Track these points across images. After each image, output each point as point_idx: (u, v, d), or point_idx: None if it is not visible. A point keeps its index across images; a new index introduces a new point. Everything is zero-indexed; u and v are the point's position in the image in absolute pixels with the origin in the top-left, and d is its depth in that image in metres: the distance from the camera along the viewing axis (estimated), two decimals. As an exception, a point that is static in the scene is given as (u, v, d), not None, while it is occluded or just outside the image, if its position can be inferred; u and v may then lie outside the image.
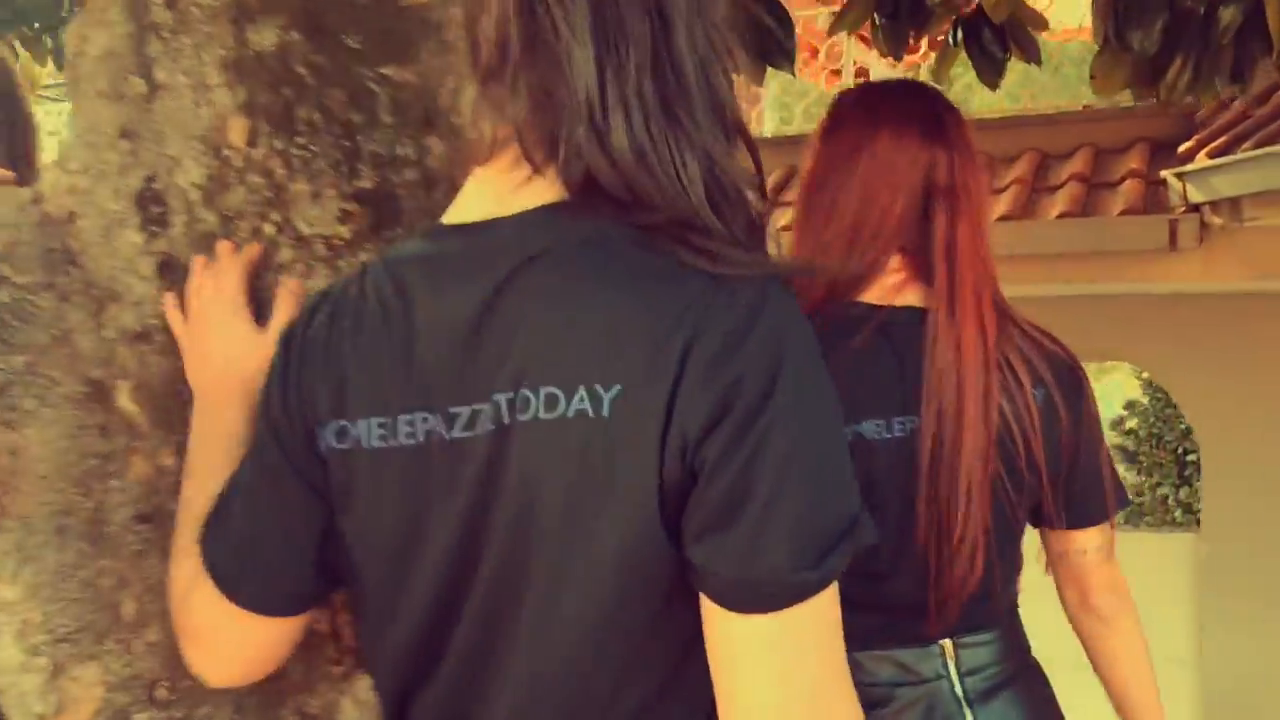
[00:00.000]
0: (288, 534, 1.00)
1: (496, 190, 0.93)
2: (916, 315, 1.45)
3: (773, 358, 0.83)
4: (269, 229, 1.19)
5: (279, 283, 1.18)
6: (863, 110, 1.54)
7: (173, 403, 1.18)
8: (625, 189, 0.87)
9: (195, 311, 1.16)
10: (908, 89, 1.56)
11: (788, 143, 6.02)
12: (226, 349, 1.13)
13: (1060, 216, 5.02)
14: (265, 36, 1.20)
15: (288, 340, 1.01)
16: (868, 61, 7.20)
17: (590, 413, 0.83)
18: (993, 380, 1.40)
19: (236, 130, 1.20)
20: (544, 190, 0.91)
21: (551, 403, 0.85)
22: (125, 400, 1.20)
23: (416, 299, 0.92)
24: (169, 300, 1.18)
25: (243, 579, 1.01)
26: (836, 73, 7.40)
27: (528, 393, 0.86)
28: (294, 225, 1.20)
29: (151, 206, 1.22)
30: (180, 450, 1.17)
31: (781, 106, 12.13)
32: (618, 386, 0.83)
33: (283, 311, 1.15)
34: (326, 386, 0.95)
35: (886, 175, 1.45)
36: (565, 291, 0.87)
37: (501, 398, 0.87)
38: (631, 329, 0.84)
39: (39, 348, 1.24)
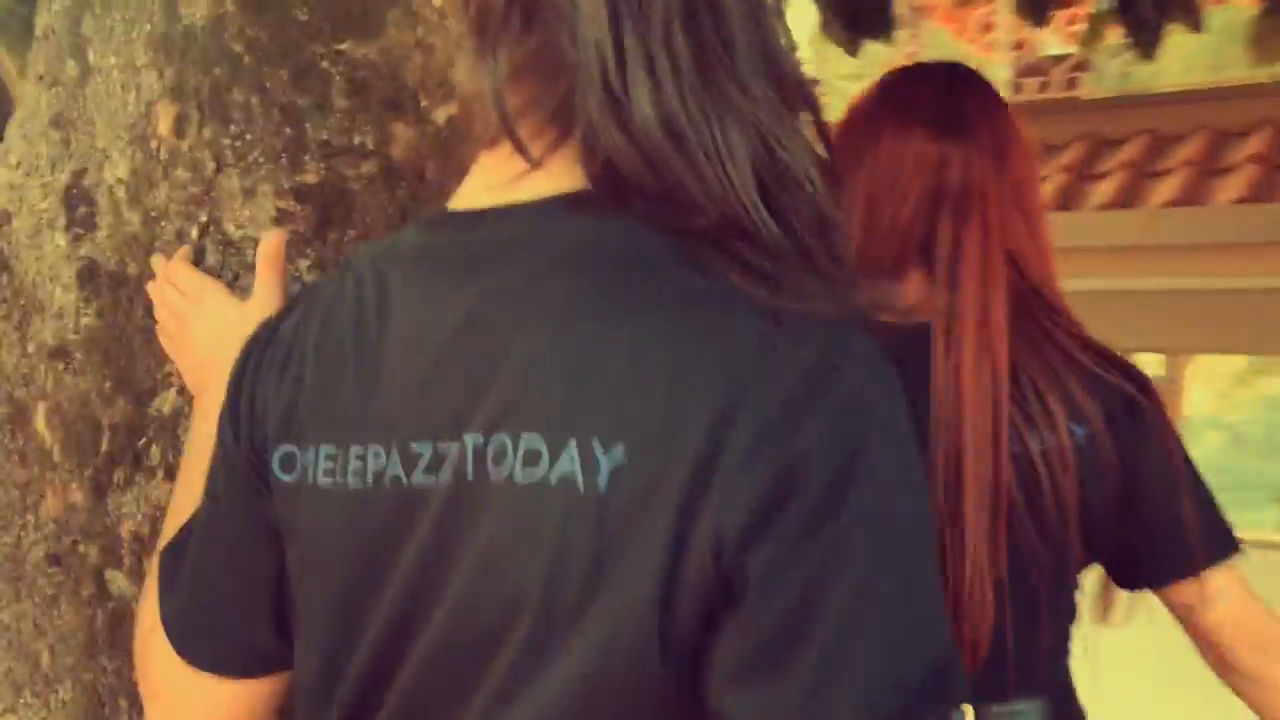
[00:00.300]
0: (243, 580, 0.82)
1: (504, 174, 0.73)
2: (927, 337, 1.21)
3: (850, 437, 0.61)
4: (193, 231, 1.03)
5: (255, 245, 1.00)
6: (872, 103, 1.29)
7: (84, 429, 1.04)
8: (652, 175, 0.65)
9: (172, 300, 1.00)
10: (924, 75, 1.32)
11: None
12: (210, 333, 0.97)
13: (1237, 202, 4.55)
14: (197, 9, 1.04)
15: (250, 345, 0.83)
16: (1035, 37, 6.74)
17: (580, 483, 0.63)
18: (1003, 414, 1.17)
19: (164, 118, 1.05)
20: (559, 176, 0.70)
21: (531, 459, 0.65)
22: (40, 424, 1.07)
23: (394, 302, 0.74)
24: (153, 286, 1.02)
25: (197, 635, 0.84)
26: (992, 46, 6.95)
27: (505, 438, 0.66)
28: (222, 226, 1.03)
29: (80, 206, 1.08)
30: (93, 487, 1.03)
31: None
32: (620, 448, 0.62)
33: (266, 284, 0.98)
34: (280, 404, 0.77)
35: (892, 177, 1.21)
36: (570, 309, 0.66)
37: (472, 440, 0.67)
38: (652, 372, 0.62)
39: (-36, 362, 1.12)
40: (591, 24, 0.64)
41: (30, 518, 1.07)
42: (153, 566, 0.90)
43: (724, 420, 0.60)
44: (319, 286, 0.81)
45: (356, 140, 1.07)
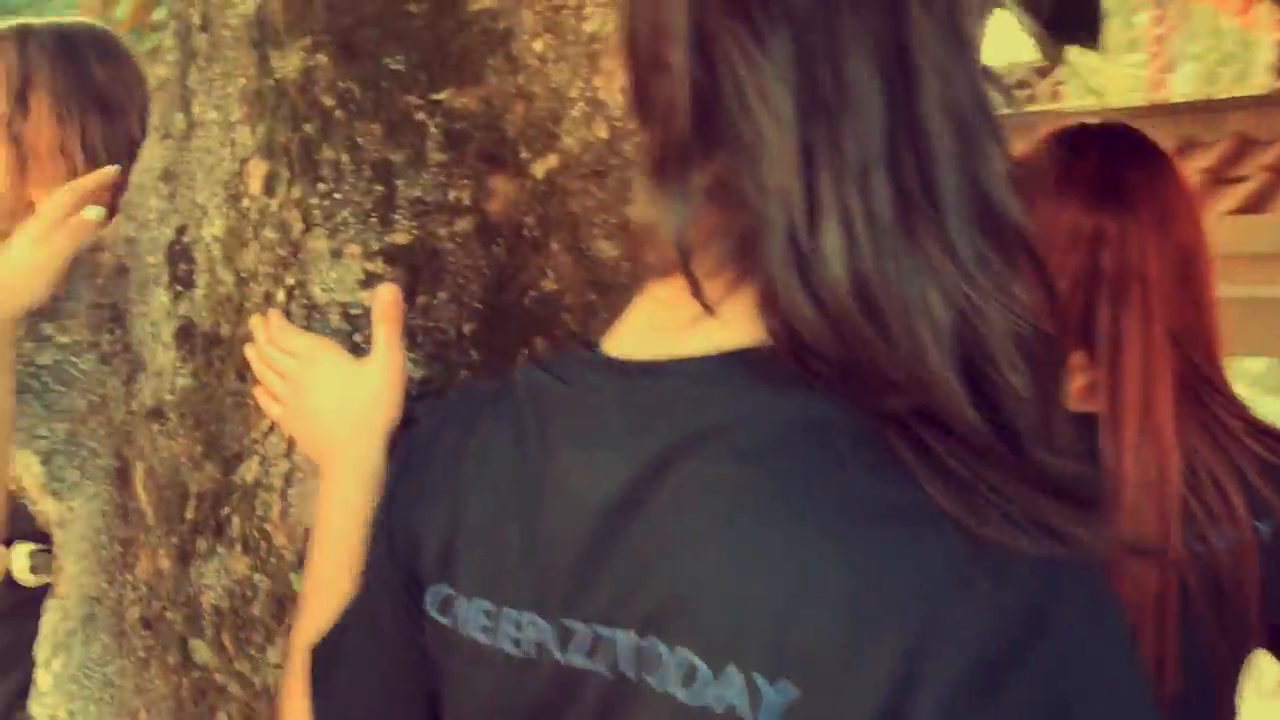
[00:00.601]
0: (401, 697, 0.78)
1: (674, 315, 0.65)
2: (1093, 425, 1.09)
3: (1060, 696, 0.52)
4: (280, 294, 1.00)
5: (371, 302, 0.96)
6: (1031, 165, 1.15)
7: (173, 494, 1.02)
8: (838, 343, 0.57)
9: (282, 363, 0.97)
10: (1085, 137, 1.18)
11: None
12: (328, 396, 0.94)
13: None
14: (289, 62, 1.00)
15: (404, 460, 0.79)
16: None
17: (748, 717, 0.55)
18: (1171, 510, 1.05)
19: (255, 176, 1.01)
20: (735, 326, 0.62)
21: (690, 677, 0.57)
22: (139, 484, 1.06)
23: (557, 450, 0.68)
24: (250, 349, 1.00)
25: None
26: None
27: (660, 646, 0.59)
28: (308, 289, 0.99)
29: (180, 263, 1.07)
30: (179, 554, 1.01)
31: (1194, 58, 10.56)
32: (788, 683, 0.54)
33: (384, 342, 0.93)
34: (437, 539, 0.73)
35: (1046, 251, 1.07)
36: (741, 504, 0.58)
37: (626, 638, 0.61)
38: (827, 597, 0.54)
39: (79, 415, 1.13)
40: (778, 166, 0.55)
41: (129, 576, 1.07)
42: (296, 658, 0.86)
43: (912, 670, 0.51)
44: (473, 405, 0.75)
45: (451, 196, 1.01)
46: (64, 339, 1.13)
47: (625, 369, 0.66)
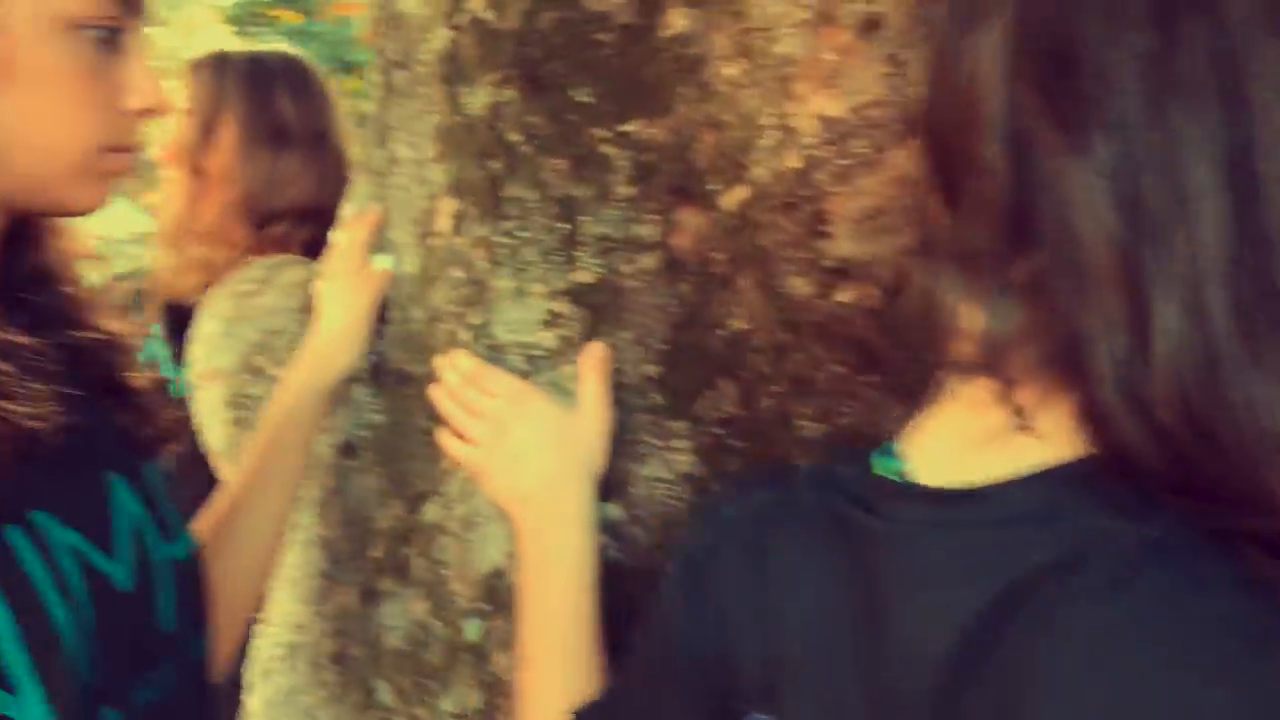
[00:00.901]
0: None
1: (981, 428, 0.62)
2: None
3: None
4: (464, 334, 0.98)
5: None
6: None
7: (360, 530, 1.03)
8: (1169, 460, 0.53)
9: (481, 404, 0.97)
10: None
11: None
12: (534, 440, 0.93)
13: None
14: (477, 98, 0.99)
15: (688, 574, 0.75)
16: None
17: None
18: None
19: (444, 215, 1.01)
20: (1052, 438, 0.58)
21: None
22: (332, 519, 1.08)
23: (884, 591, 0.65)
24: (438, 390, 0.98)
25: None
26: None
27: None
28: (491, 329, 0.97)
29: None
30: (363, 591, 1.02)
31: None
32: None
33: (592, 392, 0.93)
34: (756, 665, 0.70)
35: None
36: (1104, 639, 0.55)
37: None
38: None
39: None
40: (1100, 277, 0.51)
41: (323, 608, 1.08)
42: (531, 710, 0.84)
43: None
44: (753, 524, 0.72)
45: (637, 231, 0.97)
46: (276, 371, 1.17)
47: (942, 499, 0.62)
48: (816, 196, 0.95)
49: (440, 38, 1.01)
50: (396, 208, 1.06)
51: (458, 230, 1.00)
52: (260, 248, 1.42)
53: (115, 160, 0.79)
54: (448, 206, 1.00)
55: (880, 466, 0.68)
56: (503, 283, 0.97)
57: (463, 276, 0.99)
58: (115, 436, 0.85)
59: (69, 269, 0.87)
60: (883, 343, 0.96)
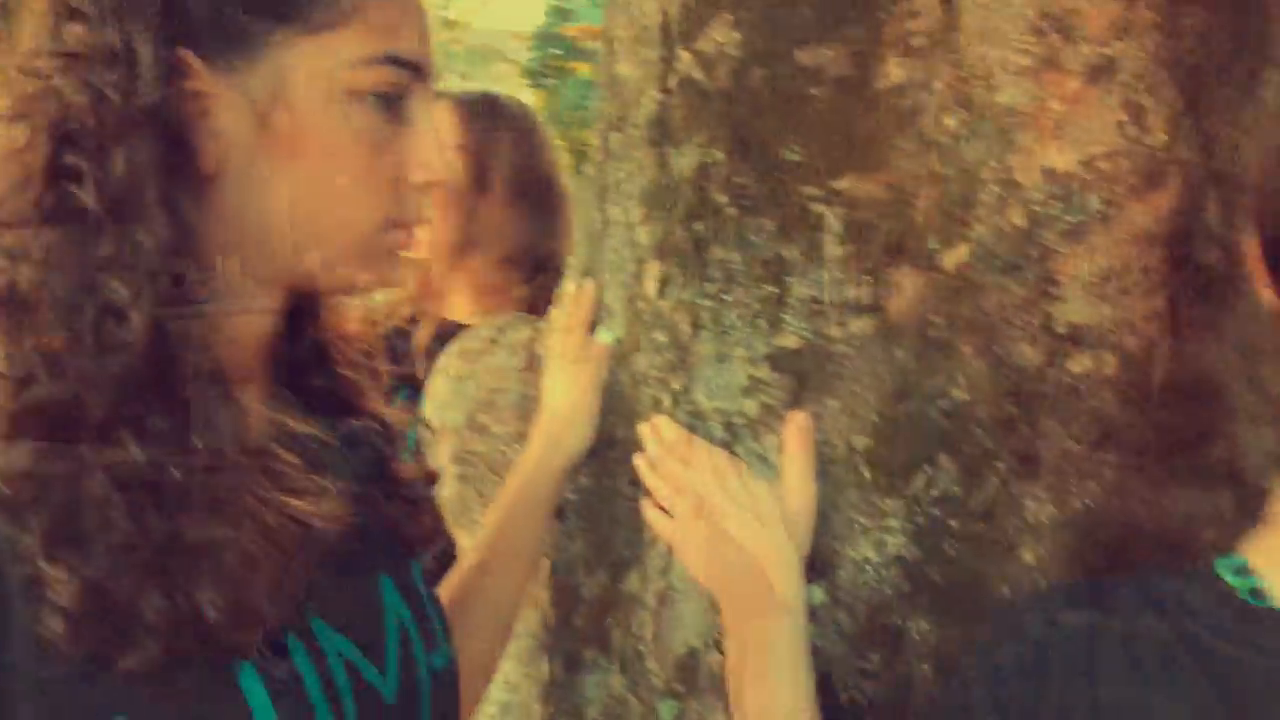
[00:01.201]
0: None
1: None
2: None
3: None
4: (666, 399, 0.96)
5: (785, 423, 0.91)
6: None
7: (566, 596, 1.02)
8: None
9: (685, 477, 0.92)
10: None
11: None
12: (741, 522, 0.88)
13: None
14: (686, 158, 0.96)
15: (1006, 686, 0.70)
16: None
17: None
18: None
19: (650, 277, 0.99)
20: None
21: None
22: (541, 583, 1.07)
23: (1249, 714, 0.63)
24: (642, 460, 0.96)
25: None
26: None
27: None
28: (692, 395, 0.94)
29: (588, 362, 1.07)
30: (566, 661, 1.00)
31: None
32: None
33: (796, 464, 0.88)
34: None
35: None
36: None
37: None
38: None
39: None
40: None
41: (533, 670, 1.07)
42: None
43: None
44: (1075, 638, 0.68)
45: (849, 294, 0.91)
46: (499, 429, 1.18)
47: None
48: (1044, 256, 0.86)
49: (651, 99, 1.00)
50: (609, 271, 1.05)
51: (662, 293, 0.97)
52: (526, 301, 1.41)
53: (398, 237, 0.73)
54: (653, 269, 0.98)
55: (1229, 583, 0.63)
56: (704, 347, 0.94)
57: (666, 340, 0.96)
58: (385, 532, 0.79)
59: (345, 350, 0.83)
60: (1123, 417, 0.86)
